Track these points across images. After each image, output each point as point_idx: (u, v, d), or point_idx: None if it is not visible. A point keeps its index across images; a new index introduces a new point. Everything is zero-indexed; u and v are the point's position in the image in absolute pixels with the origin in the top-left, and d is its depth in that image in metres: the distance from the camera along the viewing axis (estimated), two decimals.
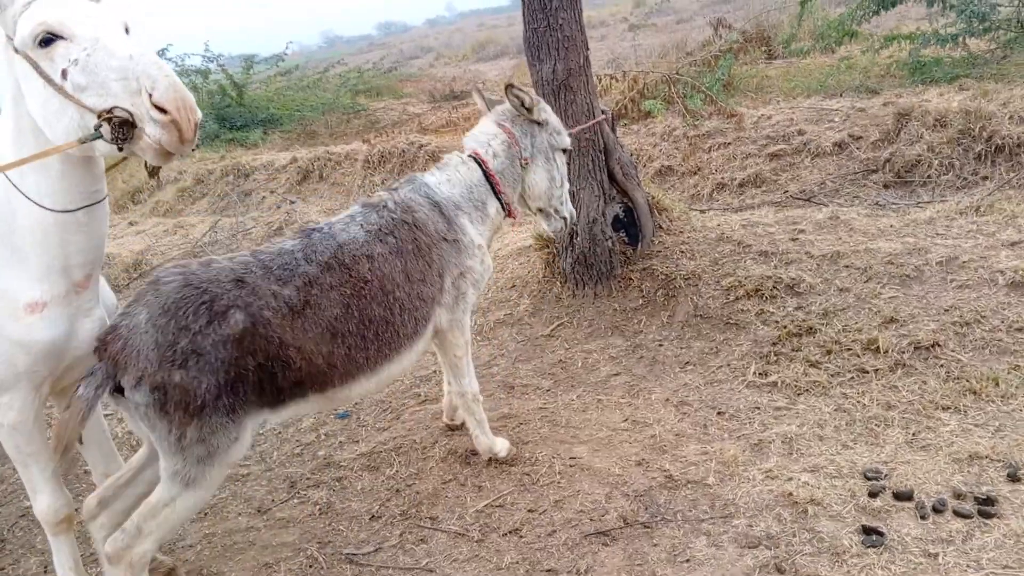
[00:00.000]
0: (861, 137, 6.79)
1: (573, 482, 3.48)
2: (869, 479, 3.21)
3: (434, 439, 4.02)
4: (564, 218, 3.79)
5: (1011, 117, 5.93)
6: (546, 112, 3.69)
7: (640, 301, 4.95)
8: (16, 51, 2.32)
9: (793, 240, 5.03)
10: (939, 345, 3.92)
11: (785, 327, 4.32)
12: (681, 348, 4.52)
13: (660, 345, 4.60)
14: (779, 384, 4.00)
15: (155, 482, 2.72)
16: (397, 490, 3.65)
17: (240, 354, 2.59)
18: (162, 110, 2.19)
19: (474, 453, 3.76)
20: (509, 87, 3.57)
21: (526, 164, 3.61)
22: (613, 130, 5.11)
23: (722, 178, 7.18)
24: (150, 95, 2.19)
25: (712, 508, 3.20)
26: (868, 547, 2.85)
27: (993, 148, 5.86)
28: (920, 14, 11.50)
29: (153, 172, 2.56)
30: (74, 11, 2.31)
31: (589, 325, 4.98)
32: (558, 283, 5.32)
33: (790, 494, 3.16)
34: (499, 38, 28.27)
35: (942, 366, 3.83)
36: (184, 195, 11.10)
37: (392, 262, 3.06)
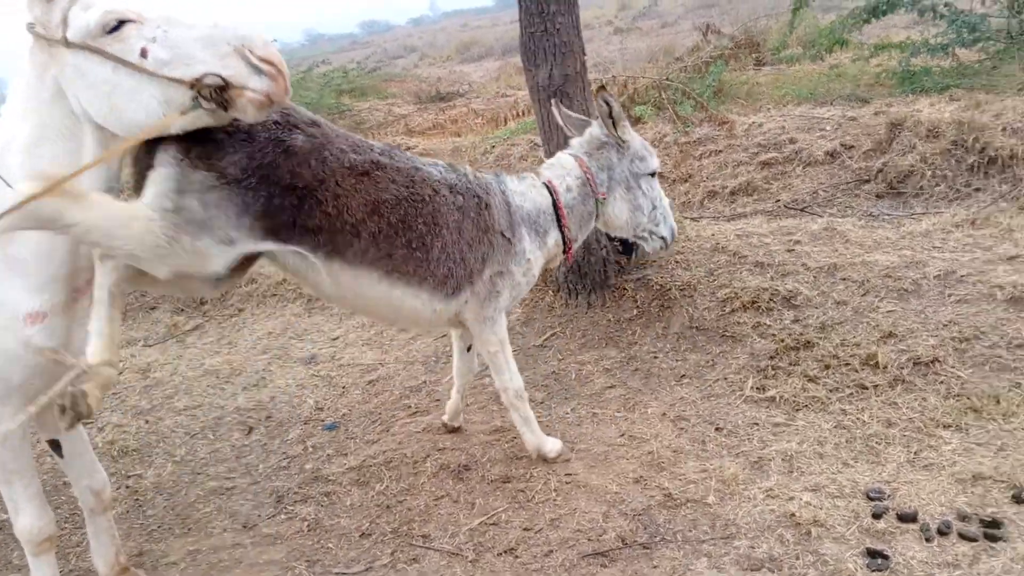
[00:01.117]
0: (853, 146, 6.74)
1: (569, 500, 3.40)
2: (872, 499, 3.16)
3: (426, 453, 3.92)
4: (663, 237, 3.72)
5: (1004, 129, 5.90)
6: (629, 133, 3.59)
7: (634, 312, 4.88)
8: (67, 45, 2.33)
9: (789, 251, 4.98)
10: (939, 361, 3.87)
11: (782, 340, 4.26)
12: (677, 360, 4.45)
13: (655, 357, 4.53)
14: (777, 399, 3.94)
15: None
16: (388, 506, 3.56)
17: (283, 164, 2.65)
18: (268, 62, 2.37)
19: (467, 465, 3.68)
20: (601, 89, 3.48)
21: (604, 199, 3.55)
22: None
23: (713, 186, 7.11)
24: (251, 51, 2.35)
25: (713, 528, 3.12)
26: (873, 571, 2.79)
27: (986, 160, 5.83)
28: (908, 23, 11.56)
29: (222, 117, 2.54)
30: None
31: (583, 336, 4.90)
32: (551, 292, 5.24)
33: (792, 515, 3.09)
34: (484, 39, 28.18)
35: (942, 382, 3.78)
36: None
37: (452, 212, 3.10)
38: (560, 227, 3.49)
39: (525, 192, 3.44)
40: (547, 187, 3.49)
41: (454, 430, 4.07)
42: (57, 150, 2.42)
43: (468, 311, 3.34)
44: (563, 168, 3.56)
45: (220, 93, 2.32)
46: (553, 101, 3.93)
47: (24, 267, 2.45)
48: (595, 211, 3.59)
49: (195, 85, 2.31)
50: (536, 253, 3.45)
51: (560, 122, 3.79)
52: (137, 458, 4.29)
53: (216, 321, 6.38)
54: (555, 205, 3.46)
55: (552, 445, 3.67)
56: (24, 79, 2.44)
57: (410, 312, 3.19)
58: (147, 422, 4.72)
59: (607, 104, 3.45)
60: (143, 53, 2.32)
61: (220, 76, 2.32)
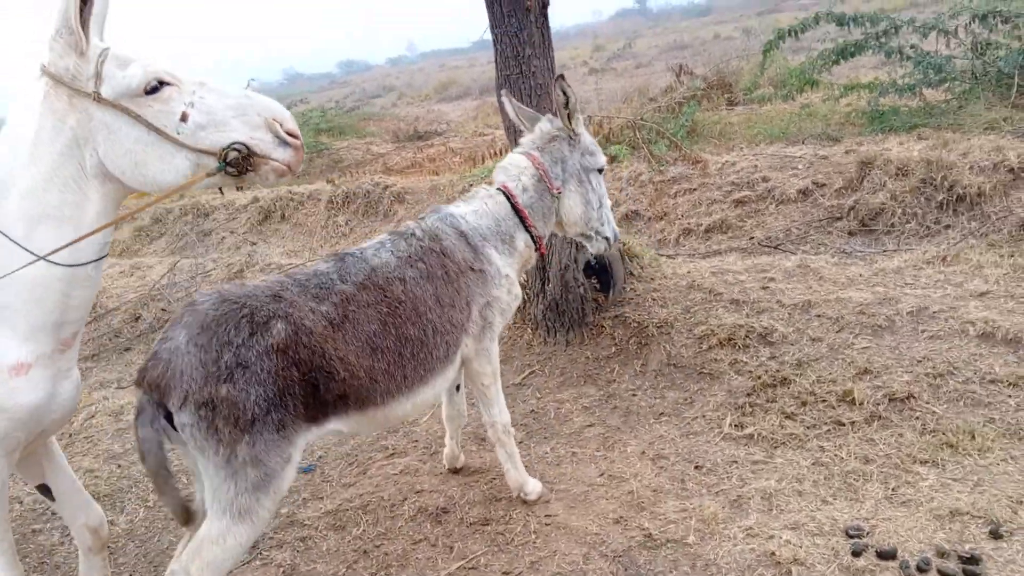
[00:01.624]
0: (825, 184, 6.86)
1: (549, 542, 3.36)
2: (851, 537, 3.15)
3: (403, 496, 3.88)
4: (607, 238, 3.70)
5: (971, 167, 6.03)
6: (581, 126, 3.61)
7: (613, 349, 4.89)
8: (98, 101, 2.38)
9: (764, 288, 5.02)
10: (914, 397, 3.90)
11: (759, 377, 4.28)
12: (655, 398, 4.45)
13: (634, 395, 4.53)
14: (755, 436, 3.95)
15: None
16: (365, 551, 3.50)
17: (285, 364, 2.54)
18: (294, 136, 2.58)
19: (443, 509, 3.63)
20: (560, 78, 3.47)
21: (559, 193, 3.53)
22: None
23: (688, 223, 7.19)
24: (281, 124, 2.55)
25: (693, 569, 3.10)
26: None
27: (955, 197, 5.95)
28: (875, 64, 11.83)
29: (238, 188, 2.67)
30: (162, 61, 2.52)
31: (561, 373, 4.90)
32: (529, 330, 5.24)
33: (773, 553, 3.08)
34: (461, 79, 28.51)
35: (917, 418, 3.81)
36: (141, 235, 10.86)
37: (423, 286, 3.03)
38: (526, 227, 3.47)
39: (477, 209, 3.41)
40: (502, 191, 3.46)
41: (457, 471, 4.06)
42: (65, 199, 2.43)
43: (469, 350, 3.33)
44: (516, 168, 3.52)
45: (245, 160, 2.50)
46: (503, 92, 3.88)
47: (12, 315, 2.40)
48: (553, 206, 3.56)
49: (224, 152, 2.47)
50: (510, 265, 3.43)
51: (512, 115, 3.76)
52: (109, 504, 4.20)
53: None
54: (515, 208, 3.44)
55: (534, 486, 3.66)
56: (34, 122, 2.40)
57: (433, 400, 3.23)
58: (119, 466, 4.63)
59: (564, 94, 3.46)
60: (184, 117, 2.44)
61: (247, 145, 2.49)
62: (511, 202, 3.44)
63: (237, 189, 2.76)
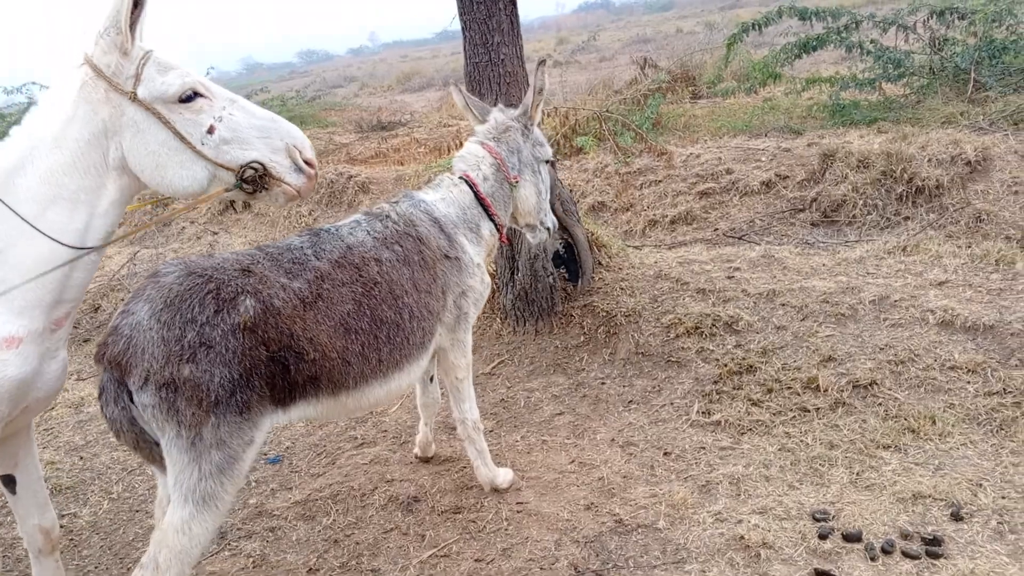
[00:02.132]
0: (788, 177, 6.96)
1: (521, 529, 3.38)
2: (817, 520, 3.21)
3: (373, 485, 3.86)
4: (547, 228, 3.72)
5: (930, 160, 6.16)
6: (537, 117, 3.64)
7: (582, 338, 4.91)
8: (134, 100, 2.46)
9: (729, 278, 5.08)
10: (876, 384, 3.98)
11: (726, 365, 4.34)
12: (624, 386, 4.49)
13: (603, 383, 4.55)
14: (723, 423, 4.00)
15: None
16: (335, 540, 3.48)
17: (252, 343, 2.44)
18: (310, 164, 2.70)
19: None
20: (542, 63, 3.52)
21: (516, 182, 3.53)
22: (552, 166, 5.09)
23: (654, 215, 7.25)
24: (301, 152, 2.67)
25: (664, 553, 3.14)
26: None
27: (914, 189, 6.07)
28: (836, 58, 12.01)
29: (245, 206, 2.69)
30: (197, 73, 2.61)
31: (531, 363, 4.91)
32: (498, 319, 5.24)
33: (741, 537, 3.13)
34: (424, 70, 28.36)
35: (880, 404, 3.89)
36: None
37: (400, 269, 2.96)
38: (489, 216, 3.46)
39: (445, 197, 3.39)
40: (464, 180, 3.45)
41: (427, 460, 4.04)
42: (83, 184, 2.47)
43: (443, 341, 3.31)
44: (475, 157, 3.52)
45: (260, 179, 2.60)
46: (453, 84, 3.85)
47: (8, 288, 2.41)
48: (511, 195, 3.56)
49: (241, 169, 2.57)
50: (479, 254, 3.42)
51: (461, 105, 3.74)
52: (71, 496, 4.12)
53: None
54: (477, 197, 3.43)
55: (504, 476, 3.66)
56: (67, 108, 2.46)
57: (406, 388, 3.15)
58: (81, 458, 4.54)
59: (543, 79, 3.51)
60: (211, 130, 2.54)
61: (264, 166, 2.60)
62: (473, 191, 3.44)
63: (244, 205, 2.79)
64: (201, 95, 2.54)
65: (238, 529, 3.66)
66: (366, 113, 15.83)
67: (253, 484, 4.06)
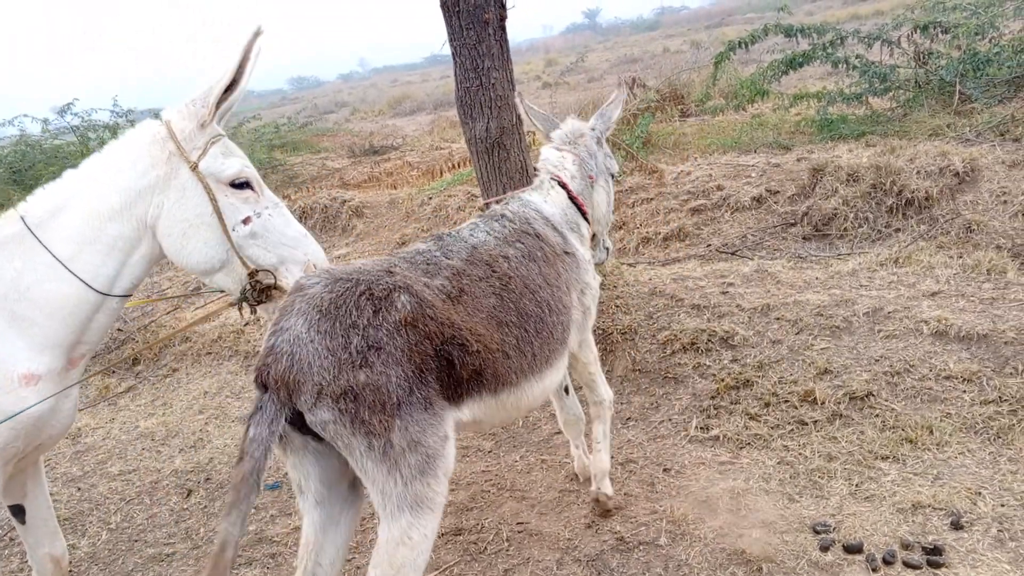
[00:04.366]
0: (778, 192, 7.00)
1: (522, 549, 3.37)
2: (818, 532, 3.22)
3: (372, 510, 3.84)
4: (607, 248, 3.74)
5: (918, 172, 6.21)
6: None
7: None
8: (192, 169, 2.56)
9: (723, 293, 5.11)
10: (873, 395, 4.00)
11: (723, 380, 4.35)
12: (622, 404, 4.50)
13: None
14: (721, 438, 4.01)
15: (347, 543, 2.48)
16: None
17: (418, 339, 2.32)
18: None
19: None
20: (624, 83, 3.55)
21: (592, 182, 3.51)
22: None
23: (647, 232, 7.28)
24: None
25: (666, 570, 3.14)
26: None
27: (904, 202, 6.13)
28: (823, 74, 12.14)
29: (252, 311, 2.76)
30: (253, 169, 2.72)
31: None
32: None
33: (743, 552, 3.13)
34: (414, 94, 28.55)
35: (877, 415, 3.90)
36: None
37: (528, 265, 2.88)
38: (582, 214, 3.42)
39: (547, 198, 3.34)
40: (556, 181, 3.42)
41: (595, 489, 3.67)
42: (123, 232, 2.56)
43: (573, 342, 3.22)
44: (558, 158, 3.50)
45: (266, 290, 2.65)
46: (517, 93, 3.89)
47: (30, 327, 2.47)
48: (591, 196, 3.52)
49: (254, 274, 2.63)
50: (587, 252, 3.38)
51: (523, 115, 3.77)
52: (70, 527, 4.10)
53: (150, 382, 6.19)
54: (570, 196, 3.39)
55: (608, 485, 3.60)
56: (128, 157, 2.57)
57: (554, 386, 3.05)
58: (79, 489, 4.52)
59: (622, 96, 3.68)
60: (246, 220, 2.61)
61: (276, 276, 2.65)
62: (566, 191, 3.41)
63: (252, 310, 2.78)
64: (251, 188, 2.64)
65: (238, 557, 3.64)
66: (358, 138, 15.90)
67: (253, 511, 4.04)
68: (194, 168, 2.56)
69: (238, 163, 2.61)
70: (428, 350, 2.34)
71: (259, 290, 2.64)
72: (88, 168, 2.60)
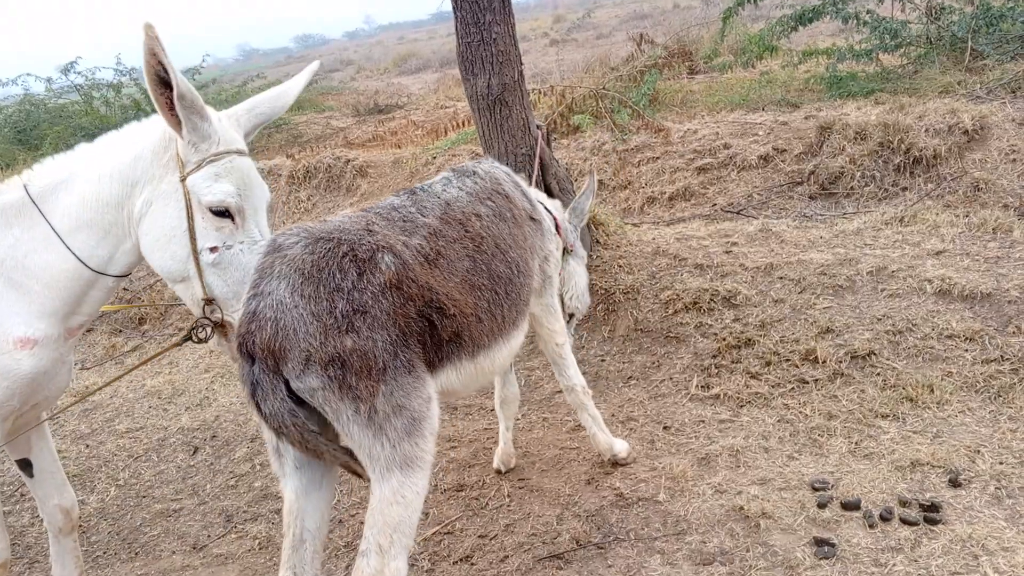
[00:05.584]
0: (785, 150, 6.93)
1: (523, 504, 3.41)
2: (816, 490, 3.24)
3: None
4: (571, 314, 3.77)
5: (927, 130, 6.14)
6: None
7: None
8: (181, 181, 2.51)
9: (727, 253, 5.09)
10: (874, 354, 4.00)
11: (724, 339, 4.36)
12: (623, 363, 4.51)
13: (602, 360, 4.58)
14: (722, 396, 4.02)
15: (329, 504, 2.49)
16: (340, 520, 3.52)
17: (401, 301, 2.29)
18: None
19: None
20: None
21: (571, 250, 3.55)
22: (548, 145, 5.09)
23: (652, 192, 7.24)
24: None
25: (664, 525, 3.17)
26: (821, 559, 2.87)
27: (911, 160, 6.06)
28: (833, 30, 11.93)
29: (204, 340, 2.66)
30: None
31: (530, 341, 4.92)
32: None
33: (741, 508, 3.16)
34: (421, 51, 28.22)
35: (878, 374, 3.91)
36: None
37: (498, 224, 2.85)
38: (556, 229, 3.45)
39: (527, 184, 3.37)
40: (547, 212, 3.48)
41: (510, 472, 3.77)
42: (119, 220, 2.57)
43: (533, 307, 3.21)
44: (556, 204, 3.64)
45: (218, 326, 2.57)
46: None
47: (29, 295, 2.54)
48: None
49: (210, 301, 2.54)
50: (551, 225, 3.38)
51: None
52: (78, 484, 4.17)
53: (156, 341, 6.24)
54: (556, 226, 3.47)
55: (622, 445, 3.62)
56: (135, 150, 2.57)
57: (516, 351, 3.00)
58: (87, 446, 4.58)
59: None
60: (213, 250, 2.51)
61: (222, 310, 2.56)
62: (554, 221, 3.48)
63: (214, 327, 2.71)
64: (232, 218, 2.52)
65: (244, 512, 3.70)
66: (363, 96, 15.78)
67: (258, 467, 4.10)
68: (183, 180, 2.51)
69: (223, 191, 2.49)
70: (411, 312, 2.32)
71: (209, 322, 2.56)
72: (98, 149, 2.62)
